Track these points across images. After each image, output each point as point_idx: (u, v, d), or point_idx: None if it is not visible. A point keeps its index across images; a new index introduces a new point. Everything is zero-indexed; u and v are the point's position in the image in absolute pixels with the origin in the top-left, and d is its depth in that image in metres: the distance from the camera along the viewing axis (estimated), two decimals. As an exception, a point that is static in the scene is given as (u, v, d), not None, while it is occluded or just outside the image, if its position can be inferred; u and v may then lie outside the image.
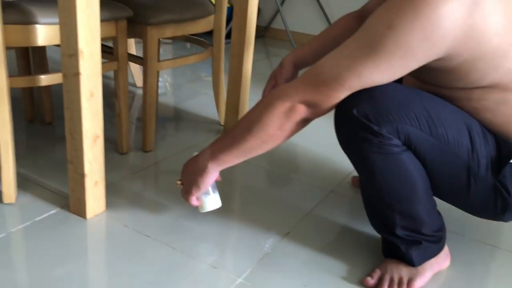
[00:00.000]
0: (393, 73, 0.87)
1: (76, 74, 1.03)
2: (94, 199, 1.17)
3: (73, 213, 1.18)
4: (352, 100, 0.90)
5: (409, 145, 0.91)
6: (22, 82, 1.19)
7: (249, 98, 1.76)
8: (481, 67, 0.86)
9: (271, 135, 0.94)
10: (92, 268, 1.02)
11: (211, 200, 1.12)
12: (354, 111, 0.89)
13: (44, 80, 1.21)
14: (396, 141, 0.90)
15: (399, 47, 0.82)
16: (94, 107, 1.09)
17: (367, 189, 1.01)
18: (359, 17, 1.25)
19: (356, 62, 0.86)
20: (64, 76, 1.06)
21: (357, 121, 0.90)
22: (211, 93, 2.22)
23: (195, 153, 1.11)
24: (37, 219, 1.16)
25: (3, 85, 1.11)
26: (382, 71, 0.86)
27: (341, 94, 0.89)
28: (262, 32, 3.66)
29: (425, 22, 0.80)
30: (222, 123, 1.86)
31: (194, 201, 1.09)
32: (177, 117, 1.91)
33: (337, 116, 0.95)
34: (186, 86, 2.31)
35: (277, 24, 3.61)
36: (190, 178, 1.07)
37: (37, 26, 1.13)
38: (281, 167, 1.56)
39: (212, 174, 1.05)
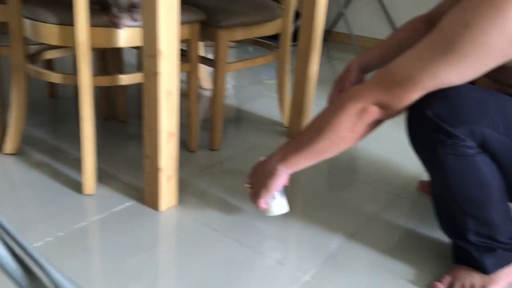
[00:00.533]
0: (469, 73, 0.85)
1: (156, 74, 1.09)
2: (167, 193, 1.23)
3: (147, 205, 1.25)
4: (426, 100, 0.89)
5: (484, 147, 0.89)
6: (105, 81, 1.27)
7: (314, 101, 1.77)
8: None
9: (342, 136, 0.95)
10: (163, 258, 1.07)
11: (278, 204, 1.14)
12: (428, 112, 0.88)
13: (124, 79, 1.29)
14: (470, 143, 0.88)
15: (476, 46, 0.81)
16: (171, 106, 1.15)
17: (438, 192, 1.00)
18: (428, 21, 1.24)
19: (431, 62, 0.85)
20: (145, 76, 1.12)
21: (431, 122, 0.89)
22: (273, 95, 2.26)
23: (262, 158, 1.13)
24: (114, 210, 1.23)
25: (88, 84, 1.20)
26: (458, 72, 0.85)
27: (415, 95, 0.89)
28: (325, 35, 3.65)
29: (502, 20, 0.78)
30: (285, 124, 1.88)
31: (263, 204, 1.12)
32: (241, 118, 1.96)
33: (409, 117, 0.94)
34: (248, 88, 2.36)
35: (340, 28, 3.59)
36: (259, 181, 1.09)
37: (119, 29, 1.21)
38: (345, 169, 1.56)
39: (282, 177, 1.07)
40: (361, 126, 0.93)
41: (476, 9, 0.81)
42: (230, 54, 2.98)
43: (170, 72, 1.11)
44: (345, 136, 0.95)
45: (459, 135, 0.87)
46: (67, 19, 1.18)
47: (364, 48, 3.42)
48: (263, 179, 1.08)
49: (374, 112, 0.92)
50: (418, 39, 1.18)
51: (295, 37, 1.99)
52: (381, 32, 3.44)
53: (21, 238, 0.58)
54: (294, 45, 1.85)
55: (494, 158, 0.90)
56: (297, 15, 3.03)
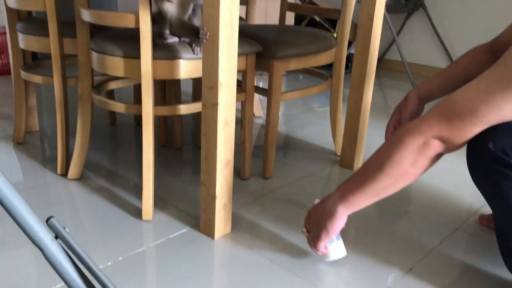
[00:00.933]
0: None
1: (215, 104, 1.13)
2: (222, 221, 1.24)
3: (203, 232, 1.27)
4: (488, 133, 0.87)
5: None
6: (165, 111, 1.32)
7: (367, 130, 1.75)
8: None
9: (404, 173, 0.93)
10: (218, 285, 1.08)
11: (337, 248, 1.11)
12: (491, 145, 0.86)
13: (183, 109, 1.33)
14: None
15: None
16: (228, 135, 1.17)
17: (502, 227, 0.96)
18: (491, 50, 1.21)
19: (495, 95, 0.83)
20: (203, 106, 1.16)
21: (494, 156, 0.86)
22: (325, 123, 2.25)
23: (316, 200, 1.12)
24: (170, 236, 1.26)
25: (150, 113, 1.25)
26: None
27: (478, 128, 0.87)
28: (377, 63, 3.63)
29: None
30: (338, 153, 1.87)
31: (323, 248, 1.08)
32: (293, 146, 1.97)
33: (471, 150, 0.92)
34: (299, 117, 2.37)
35: (391, 55, 3.56)
36: (318, 224, 1.06)
37: (180, 61, 1.26)
38: (402, 201, 1.53)
39: (342, 218, 1.03)
40: (423, 161, 0.92)
41: None
42: (284, 83, 3.01)
43: (228, 103, 1.14)
44: (407, 172, 0.93)
45: None
46: (132, 52, 1.25)
47: (417, 75, 3.37)
48: (323, 222, 1.04)
49: (436, 147, 0.90)
50: (481, 69, 1.15)
51: (346, 64, 2.00)
52: (435, 59, 3.39)
53: (89, 259, 0.61)
54: (346, 73, 1.85)
55: None
56: (349, 43, 3.04)
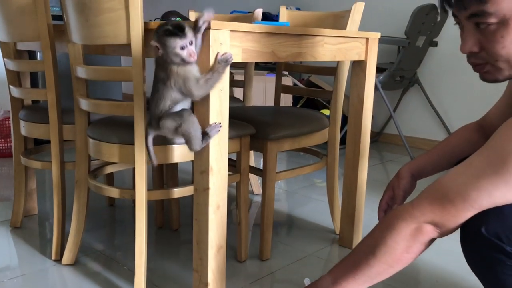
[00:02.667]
0: None
1: (206, 189, 1.14)
2: (215, 308, 1.21)
3: (195, 321, 1.23)
4: (480, 217, 0.86)
5: None
6: (159, 195, 1.33)
7: (365, 206, 1.74)
8: None
9: (398, 259, 0.91)
10: None
11: None
12: (483, 230, 0.84)
13: (177, 193, 1.34)
14: None
15: None
16: (219, 219, 1.17)
17: None
18: (480, 128, 1.23)
19: (486, 180, 0.82)
20: (195, 191, 1.17)
21: (487, 241, 0.84)
22: (325, 199, 2.24)
23: (307, 280, 1.09)
24: (162, 325, 1.22)
25: (143, 198, 1.26)
26: None
27: (470, 213, 0.85)
28: (376, 137, 3.68)
29: None
30: (337, 231, 1.84)
31: None
32: (292, 225, 1.94)
33: (464, 235, 0.90)
34: (299, 193, 2.37)
35: (391, 129, 3.62)
36: None
37: (174, 146, 1.29)
38: (402, 282, 1.48)
39: None
40: (417, 246, 0.90)
41: None
42: (281, 158, 3.05)
43: (219, 187, 1.15)
44: (401, 258, 0.91)
45: None
46: (126, 139, 1.28)
47: (416, 148, 3.40)
48: None
49: (428, 232, 0.89)
50: (471, 147, 1.17)
51: (344, 139, 2.03)
52: (432, 132, 3.43)
53: None
54: (343, 148, 1.88)
55: None
56: (346, 119, 3.10)
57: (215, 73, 1.07)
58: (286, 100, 3.31)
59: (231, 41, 1.13)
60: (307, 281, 1.09)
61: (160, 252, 1.65)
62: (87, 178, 1.45)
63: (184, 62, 1.08)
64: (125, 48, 1.25)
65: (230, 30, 1.11)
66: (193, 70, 1.09)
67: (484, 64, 0.90)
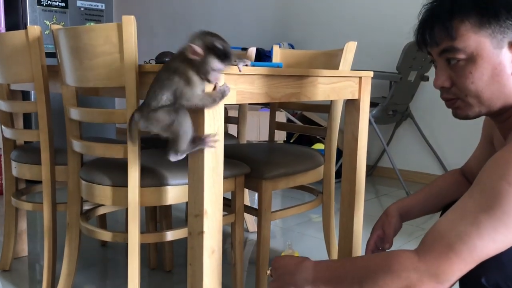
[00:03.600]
0: None
1: (200, 233, 1.12)
2: None
3: None
4: (479, 267, 0.84)
5: None
6: (152, 238, 1.31)
7: (362, 244, 1.72)
8: None
9: None
10: None
11: None
12: (483, 280, 0.83)
13: (170, 236, 1.32)
14: None
15: None
16: (214, 263, 1.14)
17: None
18: (463, 172, 1.24)
19: (487, 226, 0.80)
20: (189, 234, 1.14)
21: None
22: (321, 236, 2.21)
23: (289, 248, 1.04)
24: None
25: (136, 242, 1.23)
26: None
27: (475, 264, 0.82)
28: (370, 170, 3.68)
29: None
30: (334, 271, 1.81)
31: None
32: (289, 264, 1.91)
33: (462, 285, 0.88)
34: (295, 230, 2.34)
35: (385, 163, 3.62)
36: (284, 282, 0.99)
37: (168, 188, 1.28)
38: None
39: None
40: None
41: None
42: (277, 194, 3.03)
43: (214, 231, 1.13)
44: None
45: None
46: (119, 181, 1.26)
47: (410, 182, 3.39)
48: (289, 285, 0.98)
49: (427, 286, 0.83)
50: (457, 190, 1.17)
51: (339, 172, 2.02)
52: (426, 165, 3.44)
53: None
54: (338, 182, 1.86)
55: None
56: (340, 152, 3.10)
57: (211, 98, 1.06)
58: (280, 134, 3.31)
59: (226, 83, 1.13)
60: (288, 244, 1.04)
61: (153, 295, 1.61)
62: (79, 221, 1.42)
63: (204, 78, 1.04)
64: (120, 90, 1.25)
65: (225, 73, 1.11)
66: (200, 85, 1.06)
67: (455, 100, 0.93)
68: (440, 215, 1.23)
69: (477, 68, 0.87)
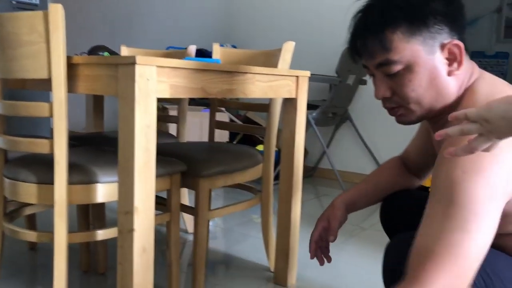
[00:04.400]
0: (497, 217, 0.79)
1: (131, 231, 1.08)
2: None
3: None
4: (401, 259, 0.87)
5: None
6: (81, 237, 1.25)
7: (300, 242, 1.73)
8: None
9: None
10: None
11: None
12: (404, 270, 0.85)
13: (101, 235, 1.26)
14: None
15: (485, 192, 0.77)
16: (145, 262, 1.11)
17: None
18: (403, 162, 1.27)
19: (461, 226, 0.77)
20: (119, 233, 1.10)
21: None
22: (261, 236, 2.22)
23: None
24: None
25: (63, 242, 1.17)
26: (491, 222, 0.78)
27: (478, 263, 0.79)
28: (311, 172, 3.74)
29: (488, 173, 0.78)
30: (272, 269, 1.81)
31: None
32: (227, 263, 1.89)
33: (386, 278, 0.91)
34: (236, 230, 2.33)
35: (325, 164, 3.69)
36: None
37: (98, 185, 1.23)
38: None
39: None
40: None
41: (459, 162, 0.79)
42: (218, 195, 3.00)
43: (145, 229, 1.10)
44: None
45: None
46: (46, 178, 1.20)
47: (349, 182, 3.48)
48: None
49: None
50: (398, 178, 1.22)
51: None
52: (364, 166, 3.54)
53: None
54: (277, 183, 1.87)
55: None
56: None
57: None
58: (223, 136, 3.30)
59: (158, 76, 1.10)
60: None
61: (84, 299, 1.54)
62: (2, 222, 1.33)
63: None
64: (47, 83, 1.19)
65: (157, 66, 1.09)
66: None
67: (398, 108, 0.94)
68: (382, 207, 1.26)
69: (415, 76, 0.89)
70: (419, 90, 0.90)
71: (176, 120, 2.16)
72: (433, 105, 0.92)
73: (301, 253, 1.92)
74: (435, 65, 0.89)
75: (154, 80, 1.08)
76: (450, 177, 0.79)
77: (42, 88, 1.26)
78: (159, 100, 2.20)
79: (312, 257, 1.17)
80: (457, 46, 0.88)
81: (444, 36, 0.89)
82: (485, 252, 0.78)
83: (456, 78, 0.91)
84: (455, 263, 0.76)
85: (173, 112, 2.88)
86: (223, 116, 3.30)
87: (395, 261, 0.88)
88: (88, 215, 1.70)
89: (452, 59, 0.89)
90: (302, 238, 2.04)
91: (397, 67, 0.90)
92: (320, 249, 1.19)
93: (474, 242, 0.76)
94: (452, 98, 0.92)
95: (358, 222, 2.51)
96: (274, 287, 1.69)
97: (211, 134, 1.99)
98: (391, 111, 0.96)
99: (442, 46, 0.89)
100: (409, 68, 0.89)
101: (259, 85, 1.42)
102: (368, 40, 0.91)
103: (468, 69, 0.92)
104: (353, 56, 0.97)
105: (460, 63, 0.89)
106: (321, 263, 1.17)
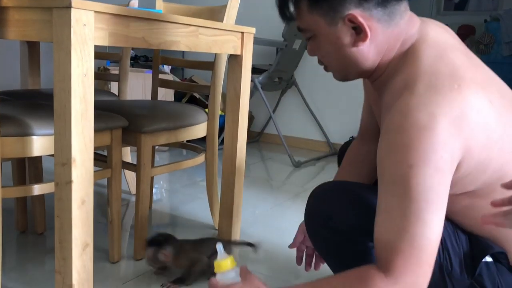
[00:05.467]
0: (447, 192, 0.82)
1: (68, 182, 1.05)
2: (80, 312, 1.11)
3: (58, 328, 1.12)
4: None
5: None
6: (15, 192, 1.20)
7: (243, 202, 1.76)
8: (463, 182, 0.86)
9: None
10: None
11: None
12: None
13: (37, 189, 1.22)
14: None
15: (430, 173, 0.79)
16: (84, 215, 1.09)
17: None
18: (361, 140, 1.24)
19: (418, 215, 0.79)
20: (56, 185, 1.07)
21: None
22: (204, 197, 2.23)
23: (219, 245, 0.95)
24: (19, 336, 1.09)
25: (-5, 196, 1.12)
26: (443, 201, 0.81)
27: (435, 253, 0.81)
28: (257, 137, 3.77)
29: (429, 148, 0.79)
30: (216, 227, 1.83)
31: None
32: (172, 223, 1.89)
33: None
34: (181, 191, 2.32)
35: (271, 129, 3.73)
36: None
37: (33, 137, 1.17)
38: (281, 273, 1.51)
39: None
40: None
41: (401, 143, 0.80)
42: (163, 158, 2.97)
43: (83, 180, 1.07)
44: None
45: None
46: (-25, 130, 1.13)
47: (294, 147, 3.54)
48: None
49: None
50: (362, 160, 1.20)
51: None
52: (309, 131, 3.61)
53: None
54: (221, 149, 1.87)
55: None
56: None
57: None
58: (168, 95, 3.24)
59: (96, 23, 1.05)
60: (219, 246, 0.96)
61: (22, 258, 1.49)
62: None
63: None
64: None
65: (95, 11, 1.04)
66: None
67: (326, 67, 0.99)
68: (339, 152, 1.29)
69: (321, 45, 0.93)
70: (328, 58, 0.95)
71: (117, 78, 2.09)
72: (346, 71, 0.96)
73: (245, 213, 1.95)
74: (338, 35, 0.89)
75: (92, 26, 1.03)
76: (398, 173, 0.80)
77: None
78: (101, 58, 2.11)
79: (299, 264, 1.23)
80: (362, 16, 0.86)
81: (348, 7, 0.87)
82: (441, 230, 0.81)
83: (372, 46, 0.89)
84: (421, 253, 0.79)
85: (113, 71, 2.79)
86: (168, 78, 3.23)
87: (315, 206, 0.92)
88: (24, 173, 1.63)
89: (359, 29, 0.88)
90: (246, 199, 2.07)
91: (307, 34, 0.95)
92: (308, 256, 1.22)
93: (432, 228, 0.80)
94: (370, 65, 0.92)
95: (303, 184, 2.58)
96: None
97: (154, 93, 1.95)
98: (325, 69, 1.00)
99: (344, 18, 0.88)
100: (315, 37, 0.93)
101: (203, 38, 1.40)
102: (285, 6, 0.95)
103: (394, 34, 0.90)
104: (282, 18, 0.98)
105: (365, 33, 0.87)
106: (307, 269, 1.22)
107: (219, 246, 0.95)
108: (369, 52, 0.90)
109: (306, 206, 1.07)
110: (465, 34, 4.17)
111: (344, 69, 0.95)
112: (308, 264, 1.22)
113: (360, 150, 1.23)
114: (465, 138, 0.80)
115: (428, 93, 0.81)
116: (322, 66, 0.99)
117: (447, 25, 0.99)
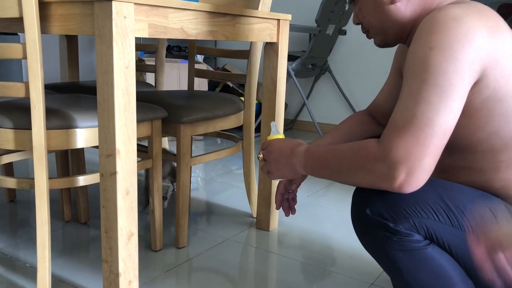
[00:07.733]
0: (461, 91, 0.82)
1: (113, 173, 1.07)
2: (127, 300, 1.14)
3: (107, 315, 1.15)
4: (364, 199, 0.89)
5: (432, 238, 0.87)
6: (61, 183, 1.23)
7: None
8: (498, 113, 0.85)
9: (360, 184, 0.89)
10: None
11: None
12: (368, 211, 0.88)
13: (82, 181, 1.25)
14: (416, 236, 0.87)
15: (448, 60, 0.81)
16: (129, 205, 1.11)
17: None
18: (369, 113, 1.26)
19: (430, 97, 0.81)
20: (101, 176, 1.09)
21: (373, 221, 0.88)
22: (242, 185, 2.24)
23: (273, 124, 1.15)
24: (70, 322, 1.13)
25: (44, 187, 1.15)
26: (455, 94, 0.81)
27: (440, 141, 0.81)
28: (290, 124, 3.75)
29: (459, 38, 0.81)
30: (254, 215, 1.84)
31: (275, 178, 1.08)
32: (209, 212, 1.91)
33: (352, 219, 0.94)
34: (217, 180, 2.34)
35: (304, 116, 3.70)
36: (277, 165, 1.05)
37: (77, 130, 1.20)
38: (317, 260, 1.51)
39: (299, 177, 1.13)
40: (378, 187, 0.86)
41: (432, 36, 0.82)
42: (198, 147, 3.00)
43: (127, 171, 1.09)
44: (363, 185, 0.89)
45: (402, 230, 0.86)
46: (23, 123, 1.17)
47: (329, 134, 3.51)
48: (282, 168, 1.05)
49: (401, 174, 0.81)
50: (363, 128, 1.23)
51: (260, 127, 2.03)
52: (343, 118, 3.56)
53: None
54: (258, 136, 1.87)
55: (444, 247, 0.88)
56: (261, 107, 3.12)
57: None
58: (202, 85, 3.26)
59: (136, 15, 1.06)
60: (273, 124, 1.16)
61: (67, 247, 1.54)
62: (-21, 169, 1.30)
63: None
64: (19, 23, 1.13)
65: (135, 3, 1.04)
66: None
67: (367, 32, 1.04)
68: None
69: (364, 4, 0.99)
70: (369, 17, 1.00)
71: (153, 69, 2.11)
72: (387, 30, 0.99)
73: (282, 200, 1.95)
74: None
75: (132, 18, 1.04)
76: (418, 54, 0.84)
77: (14, 29, 1.20)
78: (136, 49, 2.13)
79: (277, 208, 1.18)
80: None
81: None
82: (448, 127, 0.81)
83: (409, 4, 0.94)
84: (418, 131, 0.80)
85: (149, 62, 2.82)
86: (202, 67, 3.24)
87: (362, 205, 0.90)
88: (67, 165, 1.67)
89: None
90: (283, 186, 2.07)
91: None
92: (287, 201, 1.19)
93: (437, 112, 0.80)
94: (406, 23, 0.96)
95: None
96: (256, 231, 1.72)
97: (191, 83, 1.96)
98: (367, 36, 1.04)
99: None
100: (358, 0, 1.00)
101: (239, 27, 1.39)
102: None
103: None
104: None
105: None
106: (287, 214, 1.17)
107: (273, 123, 1.16)
108: (406, 10, 0.95)
109: (353, 205, 0.98)
110: (506, 13, 4.00)
111: (384, 29, 0.99)
112: (287, 210, 1.20)
113: (357, 120, 1.25)
114: (495, 49, 0.82)
115: (463, 5, 0.85)
116: (365, 34, 1.05)
117: (485, 4, 0.97)
